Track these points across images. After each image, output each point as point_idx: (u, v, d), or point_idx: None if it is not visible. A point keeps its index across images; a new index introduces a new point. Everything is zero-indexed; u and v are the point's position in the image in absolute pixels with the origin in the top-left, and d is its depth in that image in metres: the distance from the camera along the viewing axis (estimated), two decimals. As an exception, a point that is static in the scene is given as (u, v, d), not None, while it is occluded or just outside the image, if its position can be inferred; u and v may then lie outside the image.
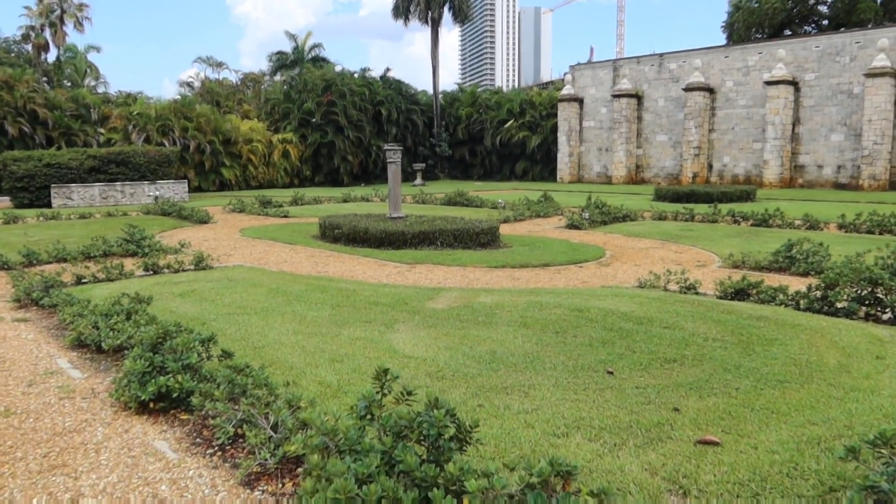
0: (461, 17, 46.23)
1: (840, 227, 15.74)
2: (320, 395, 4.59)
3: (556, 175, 44.56)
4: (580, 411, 4.29)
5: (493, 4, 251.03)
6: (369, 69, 46.18)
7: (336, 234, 13.77)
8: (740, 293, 8.16)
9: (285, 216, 20.80)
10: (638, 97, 40.95)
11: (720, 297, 8.30)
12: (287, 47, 49.54)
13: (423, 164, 42.44)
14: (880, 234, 14.89)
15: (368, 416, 3.18)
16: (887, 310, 7.06)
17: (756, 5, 42.77)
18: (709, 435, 3.89)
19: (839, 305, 7.27)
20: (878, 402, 4.42)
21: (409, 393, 3.34)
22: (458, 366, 5.30)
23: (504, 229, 15.24)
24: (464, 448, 3.11)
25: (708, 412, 4.27)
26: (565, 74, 46.52)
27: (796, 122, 34.72)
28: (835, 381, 4.86)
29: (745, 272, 10.43)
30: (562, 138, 44.07)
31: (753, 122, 36.23)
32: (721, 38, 49.74)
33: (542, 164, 46.62)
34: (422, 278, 9.89)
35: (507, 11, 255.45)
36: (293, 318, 6.98)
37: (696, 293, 8.55)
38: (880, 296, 7.13)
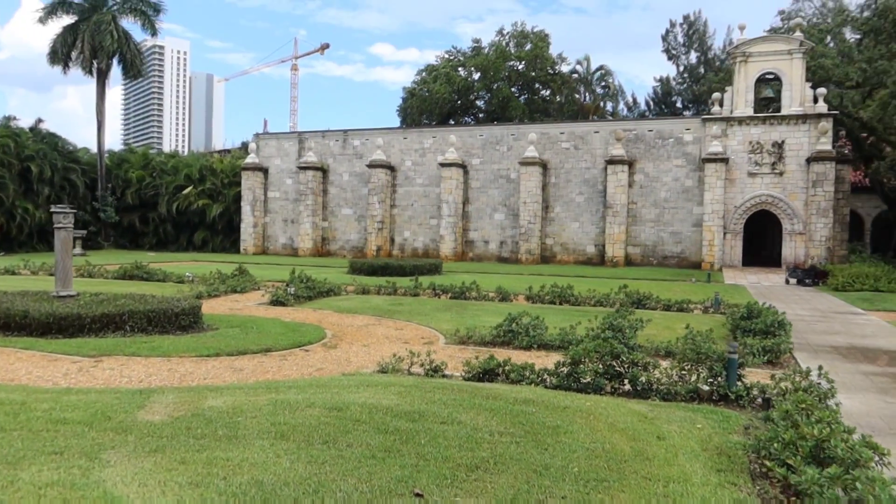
0: (133, 71, 42.13)
1: (527, 297, 17.14)
2: None
3: (240, 246, 42.38)
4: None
5: (161, 65, 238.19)
6: (14, 118, 39.19)
7: (-26, 321, 10.42)
8: (489, 373, 7.87)
9: None
10: (323, 170, 41.43)
11: (468, 379, 7.91)
12: None
13: (85, 232, 36.80)
14: (560, 303, 16.55)
15: None
16: (626, 382, 7.35)
17: (427, 94, 47.15)
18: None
19: (584, 381, 7.37)
20: (701, 492, 4.18)
21: None
22: (217, 517, 3.80)
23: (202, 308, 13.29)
24: None
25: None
26: (248, 143, 45.21)
27: (466, 201, 38.40)
28: (646, 472, 4.57)
29: (472, 347, 10.41)
30: (246, 208, 42.28)
31: (430, 200, 39.09)
32: (396, 120, 53.58)
33: (223, 234, 44.01)
34: (116, 377, 7.75)
35: (178, 75, 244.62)
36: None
37: (444, 376, 8.06)
38: (619, 369, 7.41)
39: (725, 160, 32.70)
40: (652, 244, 35.19)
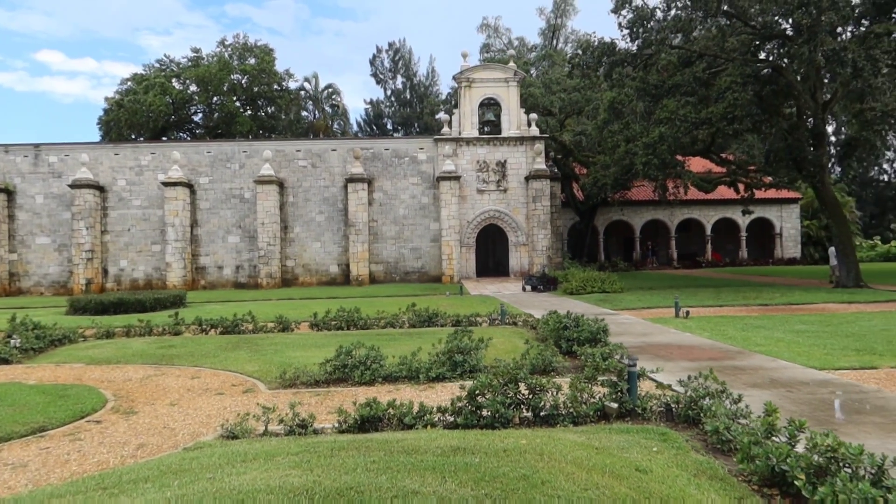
0: None
1: (312, 325, 15.73)
2: None
3: None
4: None
5: None
6: None
7: None
8: (370, 421, 6.64)
9: None
10: (8, 192, 34.32)
11: (343, 431, 6.61)
12: None
13: None
14: (349, 328, 15.47)
15: None
16: (525, 409, 6.73)
17: (139, 106, 41.87)
18: None
19: (484, 414, 6.58)
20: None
21: None
22: None
23: None
24: None
25: None
26: None
27: (195, 223, 34.90)
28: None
29: (305, 390, 8.98)
30: None
31: (151, 224, 34.75)
32: (96, 134, 46.86)
33: None
34: None
35: None
36: None
37: (315, 431, 6.63)
38: (520, 397, 6.76)
39: (458, 178, 34.53)
40: (394, 261, 35.65)
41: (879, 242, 60.34)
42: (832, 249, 29.15)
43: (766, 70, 25.52)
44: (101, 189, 34.32)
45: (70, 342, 14.27)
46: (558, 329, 11.06)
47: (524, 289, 28.74)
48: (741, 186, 34.91)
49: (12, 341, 12.65)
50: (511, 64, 36.32)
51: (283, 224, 34.97)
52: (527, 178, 35.00)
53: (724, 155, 34.43)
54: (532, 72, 42.03)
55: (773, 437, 4.96)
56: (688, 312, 16.40)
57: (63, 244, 34.42)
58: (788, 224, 47.51)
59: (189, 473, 5.22)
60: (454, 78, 36.35)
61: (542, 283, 28.48)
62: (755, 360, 10.00)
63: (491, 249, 40.59)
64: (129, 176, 34.84)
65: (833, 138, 26.81)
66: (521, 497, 4.43)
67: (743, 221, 45.83)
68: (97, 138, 47.98)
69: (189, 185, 34.47)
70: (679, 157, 28.85)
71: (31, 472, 5.75)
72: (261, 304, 23.78)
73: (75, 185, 33.30)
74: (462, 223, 34.97)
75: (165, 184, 33.71)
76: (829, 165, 25.59)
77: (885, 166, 73.52)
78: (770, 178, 30.21)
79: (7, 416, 7.44)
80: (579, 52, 26.84)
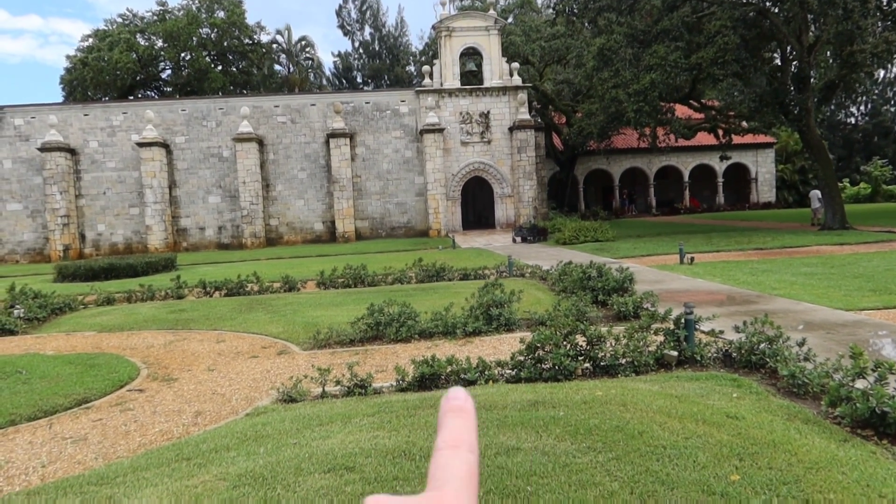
0: None
1: (319, 283, 15.54)
2: None
3: None
4: None
5: None
6: None
7: None
8: (430, 379, 6.56)
9: None
10: (-26, 157, 33.00)
11: (403, 389, 6.53)
12: None
13: None
14: (356, 285, 15.31)
15: None
16: (584, 361, 6.70)
17: (105, 64, 40.14)
18: None
19: (546, 367, 6.55)
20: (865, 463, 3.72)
21: None
22: None
23: None
24: None
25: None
26: None
27: (173, 184, 34.05)
28: (789, 460, 3.97)
29: (340, 350, 8.87)
30: None
31: (128, 186, 33.80)
32: (58, 95, 45.06)
33: None
34: None
35: None
36: None
37: (374, 391, 6.54)
38: (580, 348, 6.74)
39: (442, 130, 34.06)
40: (380, 216, 35.33)
41: (848, 184, 61.60)
42: (815, 192, 29.58)
43: (751, 13, 25.34)
44: (72, 152, 33.14)
45: (72, 310, 13.90)
46: (582, 280, 11.04)
47: (514, 240, 28.76)
48: (720, 132, 35.09)
49: (16, 311, 12.27)
50: (491, 12, 35.56)
51: (264, 182, 34.29)
52: (511, 129, 34.68)
53: (705, 101, 34.43)
54: (510, 19, 41.26)
55: (860, 380, 4.99)
56: (692, 259, 16.54)
57: (36, 210, 33.34)
58: (764, 169, 48.07)
59: (269, 440, 5.11)
60: (433, 27, 35.51)
61: (533, 233, 28.50)
62: (780, 304, 10.11)
63: (471, 203, 40.42)
64: (101, 137, 33.66)
65: (813, 81, 26.90)
66: (625, 448, 4.41)
67: (720, 167, 46.24)
68: (59, 99, 46.15)
69: (165, 145, 33.47)
70: (663, 105, 28.77)
71: (94, 446, 5.58)
72: (252, 265, 23.40)
73: (45, 149, 32.09)
74: (447, 176, 34.65)
75: (140, 144, 32.67)
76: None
77: (853, 109, 74.51)
78: (746, 124, 30.39)
79: (45, 389, 7.20)
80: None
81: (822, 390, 5.32)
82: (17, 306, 12.45)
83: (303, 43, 54.20)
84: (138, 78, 43.75)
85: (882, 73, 64.40)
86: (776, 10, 25.24)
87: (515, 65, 35.34)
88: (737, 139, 38.98)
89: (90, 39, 43.63)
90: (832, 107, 57.77)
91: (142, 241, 33.53)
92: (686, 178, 47.01)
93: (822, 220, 26.78)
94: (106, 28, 43.50)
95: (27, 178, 33.29)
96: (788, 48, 26.51)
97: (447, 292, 13.16)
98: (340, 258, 23.70)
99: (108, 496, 4.17)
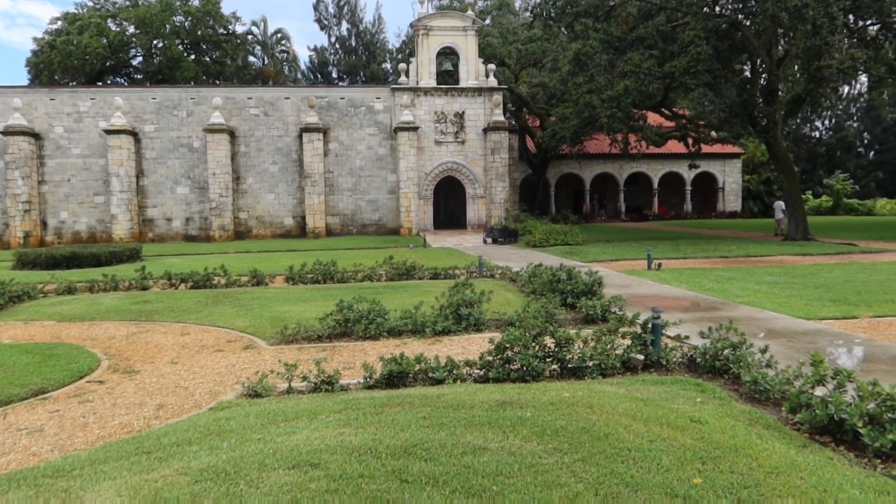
0: None
1: (287, 278, 15.39)
2: None
3: None
4: None
5: None
6: None
7: None
8: (398, 376, 6.53)
9: None
10: (-68, 138, 32.00)
11: (370, 387, 6.49)
12: None
13: None
14: (325, 281, 15.19)
15: None
16: (553, 361, 6.73)
17: (74, 48, 39.19)
18: None
19: (514, 367, 6.57)
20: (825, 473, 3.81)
21: None
22: None
23: None
24: None
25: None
26: None
27: (141, 174, 33.44)
28: (748, 465, 4.04)
29: (307, 346, 8.80)
30: None
31: (93, 174, 33.08)
32: (23, 77, 43.91)
33: None
34: None
35: None
36: None
37: (341, 388, 6.48)
38: (545, 349, 6.77)
39: (416, 129, 34.00)
40: (351, 213, 35.14)
41: (811, 197, 63.07)
42: (778, 203, 30.25)
43: (724, 25, 25.79)
44: (36, 136, 32.33)
45: (30, 298, 13.58)
46: (552, 282, 11.11)
47: (485, 241, 28.84)
48: (690, 140, 35.66)
49: (-29, 298, 11.91)
50: (469, 12, 35.61)
51: (234, 175, 33.86)
52: (485, 130, 34.76)
53: (676, 110, 34.95)
54: (487, 21, 41.37)
55: (819, 387, 5.10)
56: (660, 265, 16.77)
57: (-3, 195, 32.45)
58: (731, 178, 48.95)
59: (233, 434, 5.03)
60: (411, 25, 35.44)
61: (503, 235, 28.61)
62: (743, 311, 10.30)
63: (443, 202, 40.41)
64: (68, 123, 32.89)
65: (781, 94, 27.53)
66: (590, 450, 4.44)
67: (688, 176, 46.95)
68: (24, 82, 45.02)
69: (133, 133, 32.84)
70: (636, 111, 29.11)
71: (50, 438, 5.44)
72: (219, 258, 23.10)
73: (8, 132, 31.24)
74: (420, 175, 34.60)
75: (108, 131, 31.99)
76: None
77: (818, 123, 76.21)
78: (715, 133, 30.93)
79: (0, 379, 7.00)
80: (540, 0, 26.45)
81: (783, 396, 5.43)
82: (-27, 293, 12.09)
83: (278, 36, 53.67)
84: (108, 64, 42.83)
85: (846, 89, 66.22)
86: (748, 23, 25.72)
87: (492, 66, 35.46)
88: (705, 148, 39.65)
89: (59, 22, 42.63)
90: (798, 120, 59.15)
91: (106, 230, 32.86)
92: (655, 186, 47.64)
93: (785, 230, 27.37)
94: (76, 11, 42.54)
95: (-12, 161, 32.37)
96: (758, 61, 27.06)
97: (417, 291, 13.14)
98: (310, 253, 23.48)
99: (64, 489, 4.07)
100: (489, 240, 28.76)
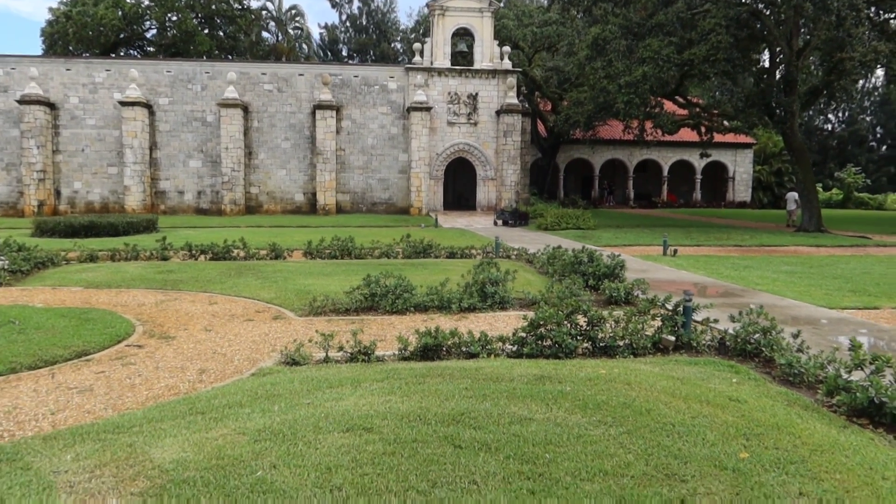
0: None
1: (305, 253, 15.51)
2: None
3: None
4: None
5: None
6: None
7: None
8: (433, 349, 6.66)
9: None
10: (-53, 104, 32.03)
11: (405, 359, 6.62)
12: None
13: None
14: (342, 257, 15.30)
15: None
16: (584, 341, 6.85)
17: (89, 19, 39.06)
18: None
19: (546, 344, 6.69)
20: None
21: None
22: None
23: None
24: None
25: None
26: None
27: (154, 146, 33.47)
28: (792, 443, 4.16)
29: (335, 318, 8.91)
30: None
31: (107, 145, 33.12)
32: (37, 47, 43.81)
33: None
34: None
35: None
36: None
37: (377, 358, 6.61)
38: (578, 328, 6.88)
39: (429, 109, 33.94)
40: (361, 191, 35.19)
41: (821, 189, 62.88)
42: (791, 194, 30.20)
43: (744, 14, 25.62)
44: (52, 106, 32.33)
45: (55, 265, 13.72)
46: (573, 264, 11.20)
47: (496, 223, 28.90)
48: (702, 129, 35.52)
49: (0, 262, 12.06)
50: (486, -7, 35.34)
51: (247, 150, 33.88)
52: (498, 112, 34.68)
53: (690, 98, 34.79)
54: (502, 3, 41.08)
55: (856, 371, 5.20)
56: (675, 251, 16.84)
57: (11, 163, 32.54)
58: (741, 169, 48.78)
59: (281, 399, 5.16)
60: (427, 5, 35.22)
61: (514, 217, 28.67)
62: (764, 298, 10.39)
63: (451, 183, 40.40)
64: (83, 93, 32.88)
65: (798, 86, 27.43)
66: (634, 423, 4.56)
67: (699, 164, 46.79)
68: (38, 52, 44.92)
69: (148, 106, 32.84)
70: (652, 98, 29.02)
71: (101, 397, 5.58)
72: (233, 231, 23.16)
73: (24, 101, 31.26)
74: (431, 155, 34.58)
75: (123, 103, 31.99)
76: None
77: (831, 116, 75.73)
78: (728, 123, 30.83)
79: (43, 340, 7.15)
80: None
81: (818, 380, 5.54)
82: (2, 257, 12.24)
83: (293, 12, 53.39)
84: (122, 36, 42.68)
85: (861, 82, 65.73)
86: (769, 13, 25.55)
87: (507, 48, 35.28)
88: (717, 138, 39.44)
89: (73, -9, 42.41)
90: (810, 112, 58.84)
91: (119, 201, 32.97)
92: (665, 173, 47.50)
93: (797, 221, 27.38)
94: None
95: (4, 130, 32.42)
96: (778, 51, 26.89)
97: (436, 269, 13.25)
98: (322, 230, 23.56)
99: (129, 444, 4.20)
100: (500, 222, 28.81)
